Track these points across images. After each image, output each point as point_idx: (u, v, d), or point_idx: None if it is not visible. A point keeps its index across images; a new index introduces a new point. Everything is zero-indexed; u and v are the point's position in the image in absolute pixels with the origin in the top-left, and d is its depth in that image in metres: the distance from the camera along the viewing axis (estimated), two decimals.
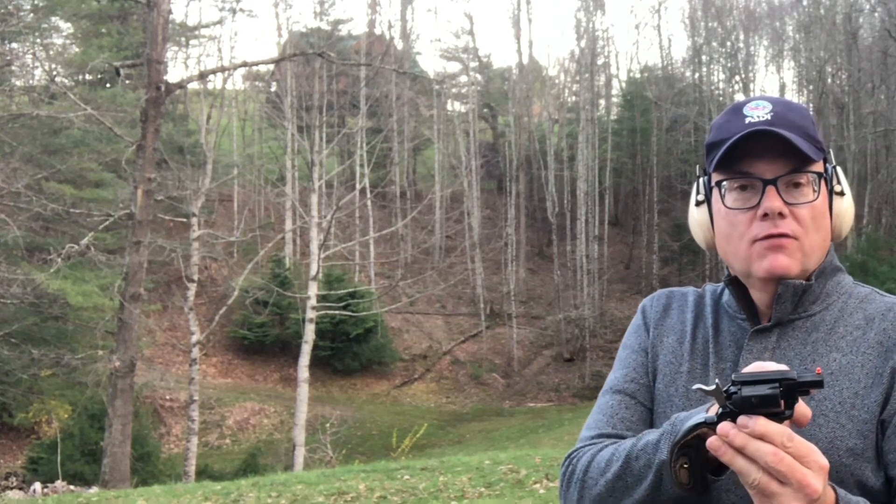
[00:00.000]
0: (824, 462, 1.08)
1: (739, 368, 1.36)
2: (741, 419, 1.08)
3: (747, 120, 1.35)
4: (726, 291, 1.45)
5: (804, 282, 1.34)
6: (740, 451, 1.07)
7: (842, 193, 1.38)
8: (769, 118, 1.34)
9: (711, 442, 1.10)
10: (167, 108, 25.18)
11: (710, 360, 1.41)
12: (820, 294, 1.37)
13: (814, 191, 1.33)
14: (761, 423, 1.07)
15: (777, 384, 1.08)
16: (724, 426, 1.09)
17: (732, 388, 1.10)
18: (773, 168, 1.32)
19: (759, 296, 1.38)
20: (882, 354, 1.30)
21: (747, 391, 1.08)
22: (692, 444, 1.16)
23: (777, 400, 1.08)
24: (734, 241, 1.35)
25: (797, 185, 1.33)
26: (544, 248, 40.81)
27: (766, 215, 1.31)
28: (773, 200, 1.30)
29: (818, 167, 1.35)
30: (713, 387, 1.11)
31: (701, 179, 1.43)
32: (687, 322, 1.47)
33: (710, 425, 1.12)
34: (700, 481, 1.18)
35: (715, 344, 1.42)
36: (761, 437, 1.06)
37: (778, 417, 1.08)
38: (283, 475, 11.71)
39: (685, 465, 1.17)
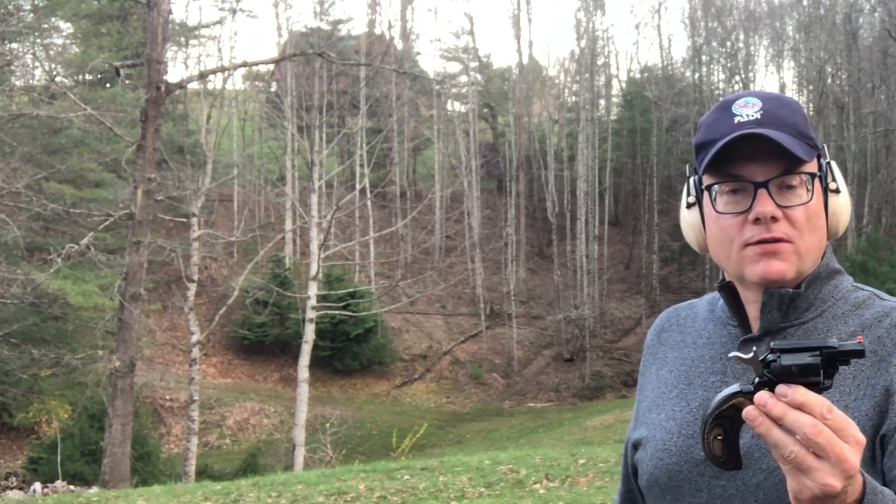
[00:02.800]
0: (861, 438, 1.03)
1: (728, 379, 1.34)
2: (780, 388, 1.04)
3: (736, 119, 1.30)
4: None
5: (791, 290, 1.30)
6: (778, 421, 1.03)
7: (837, 191, 1.34)
8: (759, 117, 1.30)
9: (748, 412, 1.05)
10: (167, 108, 25.14)
11: (700, 371, 1.39)
12: (814, 300, 1.32)
13: (807, 191, 1.28)
14: (801, 393, 1.02)
15: (818, 352, 1.05)
16: (762, 395, 1.04)
17: (771, 356, 1.06)
18: (764, 170, 1.28)
19: (751, 300, 1.34)
20: (875, 364, 1.25)
21: (787, 359, 1.05)
22: (727, 415, 1.11)
23: (818, 369, 1.04)
24: (726, 246, 1.31)
25: (790, 186, 1.28)
26: (544, 248, 40.81)
27: (758, 220, 1.27)
28: (764, 205, 1.26)
29: (811, 167, 1.30)
30: (751, 355, 1.08)
31: (692, 180, 1.39)
32: (686, 343, 1.45)
33: (746, 395, 1.08)
34: (734, 454, 1.14)
35: (708, 355, 1.40)
36: (800, 407, 1.02)
37: (817, 388, 1.04)
38: (283, 475, 11.71)
39: (719, 437, 1.13)
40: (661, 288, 37.12)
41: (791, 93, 42.84)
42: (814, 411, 1.02)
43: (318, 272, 18.16)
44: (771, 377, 1.06)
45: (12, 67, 23.95)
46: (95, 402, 18.32)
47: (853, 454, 1.02)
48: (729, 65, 42.21)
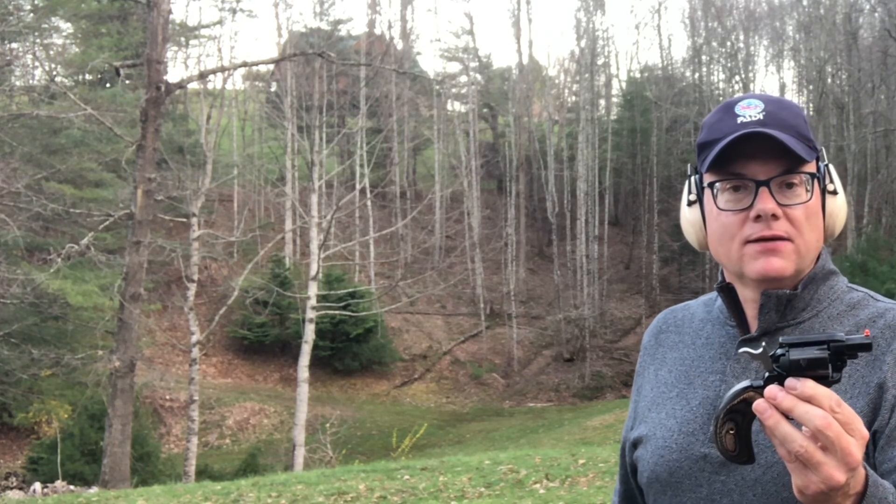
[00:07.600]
0: (865, 433, 1.06)
1: (727, 378, 1.35)
2: (789, 381, 1.06)
3: (739, 119, 1.33)
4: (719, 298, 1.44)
5: (788, 291, 1.33)
6: (787, 414, 1.05)
7: (834, 192, 1.37)
8: (761, 118, 1.32)
9: (758, 404, 1.07)
10: (167, 108, 25.18)
11: (700, 371, 1.40)
12: (810, 301, 1.35)
13: (807, 191, 1.31)
14: (810, 385, 1.05)
15: (825, 346, 1.07)
16: (772, 388, 1.07)
17: (780, 351, 1.08)
18: (765, 169, 1.30)
19: (749, 299, 1.36)
20: (869, 364, 1.27)
21: (795, 353, 1.07)
22: (738, 410, 1.13)
23: (826, 362, 1.06)
24: (726, 243, 1.34)
25: (790, 185, 1.31)
26: (544, 248, 40.81)
27: (759, 217, 1.29)
28: (766, 202, 1.29)
29: (811, 167, 1.33)
30: (760, 350, 1.10)
31: (692, 178, 1.42)
32: (684, 343, 1.47)
33: (756, 389, 1.11)
34: (747, 448, 1.16)
35: (707, 355, 1.41)
36: (809, 400, 1.04)
37: (825, 381, 1.06)
38: (283, 475, 11.71)
39: (731, 431, 1.15)
40: (661, 288, 37.12)
41: (791, 93, 42.89)
42: (823, 404, 1.04)
43: (318, 272, 18.16)
44: (780, 371, 1.08)
45: (12, 67, 23.95)
46: (95, 402, 18.32)
47: (857, 448, 1.04)
48: (729, 65, 42.20)
